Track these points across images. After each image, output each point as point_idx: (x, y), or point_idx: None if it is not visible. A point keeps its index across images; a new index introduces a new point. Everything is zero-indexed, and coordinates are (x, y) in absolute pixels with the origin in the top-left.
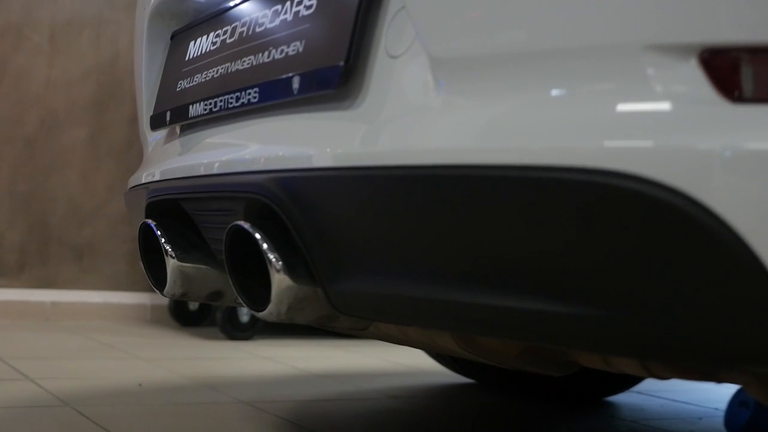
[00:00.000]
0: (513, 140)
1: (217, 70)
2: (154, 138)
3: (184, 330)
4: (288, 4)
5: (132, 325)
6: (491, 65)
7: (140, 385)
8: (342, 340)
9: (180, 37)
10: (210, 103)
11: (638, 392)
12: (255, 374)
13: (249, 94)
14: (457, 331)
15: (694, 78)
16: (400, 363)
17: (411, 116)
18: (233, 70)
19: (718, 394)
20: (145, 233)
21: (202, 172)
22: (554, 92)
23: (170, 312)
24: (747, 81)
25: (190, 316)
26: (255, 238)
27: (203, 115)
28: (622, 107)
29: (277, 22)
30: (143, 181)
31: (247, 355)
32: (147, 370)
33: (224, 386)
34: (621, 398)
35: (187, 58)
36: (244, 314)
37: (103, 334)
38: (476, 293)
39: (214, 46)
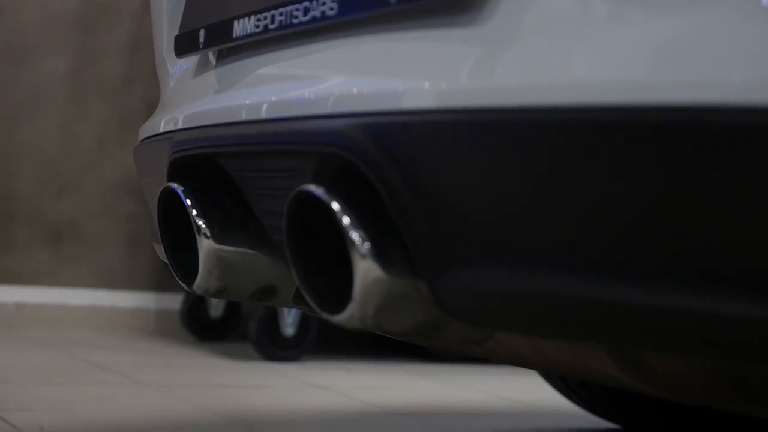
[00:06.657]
0: (716, 70)
1: None
2: (178, 68)
3: (202, 345)
4: None
5: (130, 338)
6: None
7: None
8: (427, 364)
9: None
10: (264, 17)
11: None
12: (307, 411)
13: (323, 3)
14: (626, 344)
15: None
16: (510, 398)
17: (565, 35)
18: None
19: None
20: (168, 203)
21: (252, 115)
22: None
23: (183, 320)
24: None
25: (211, 325)
26: (331, 210)
27: (254, 34)
28: None
29: None
30: (163, 130)
31: (293, 383)
32: (153, 402)
33: (265, 427)
34: None
35: None
36: (289, 326)
37: (89, 350)
38: (667, 290)
39: None
